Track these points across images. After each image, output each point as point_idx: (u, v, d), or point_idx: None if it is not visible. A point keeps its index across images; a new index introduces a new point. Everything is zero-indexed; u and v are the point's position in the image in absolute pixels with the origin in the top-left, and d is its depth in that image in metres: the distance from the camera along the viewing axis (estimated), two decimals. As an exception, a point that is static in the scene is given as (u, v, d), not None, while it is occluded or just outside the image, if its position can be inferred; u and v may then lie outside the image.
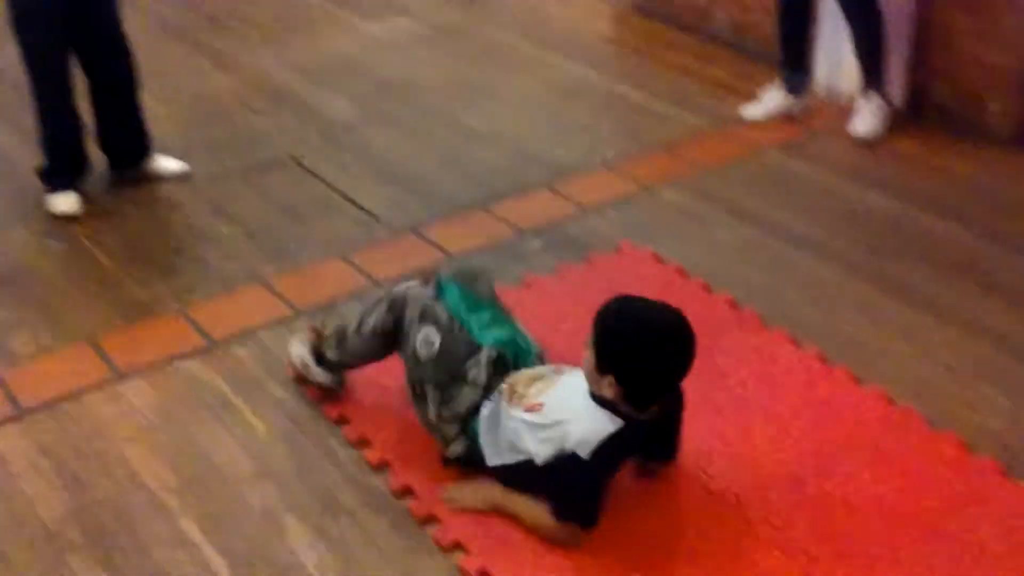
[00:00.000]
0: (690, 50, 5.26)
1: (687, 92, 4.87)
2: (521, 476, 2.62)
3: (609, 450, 2.47)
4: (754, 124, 4.55)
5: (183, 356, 3.26)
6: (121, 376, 3.18)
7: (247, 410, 3.04)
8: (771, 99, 4.60)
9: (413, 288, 2.86)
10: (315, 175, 4.26)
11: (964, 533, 2.57)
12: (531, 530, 2.58)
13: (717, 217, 3.91)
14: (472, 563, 2.53)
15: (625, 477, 2.66)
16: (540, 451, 2.56)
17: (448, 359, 2.72)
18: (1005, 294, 3.46)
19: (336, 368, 3.00)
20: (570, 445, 2.49)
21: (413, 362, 2.76)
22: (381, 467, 2.81)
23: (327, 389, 3.02)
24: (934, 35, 4.42)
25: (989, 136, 4.33)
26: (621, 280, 3.49)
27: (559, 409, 2.56)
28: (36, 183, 4.03)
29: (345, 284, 3.58)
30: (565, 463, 2.50)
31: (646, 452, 2.68)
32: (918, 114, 4.54)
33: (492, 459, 2.69)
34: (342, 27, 5.69)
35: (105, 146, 4.17)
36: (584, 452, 2.46)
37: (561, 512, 2.53)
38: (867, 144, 4.37)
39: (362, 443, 2.89)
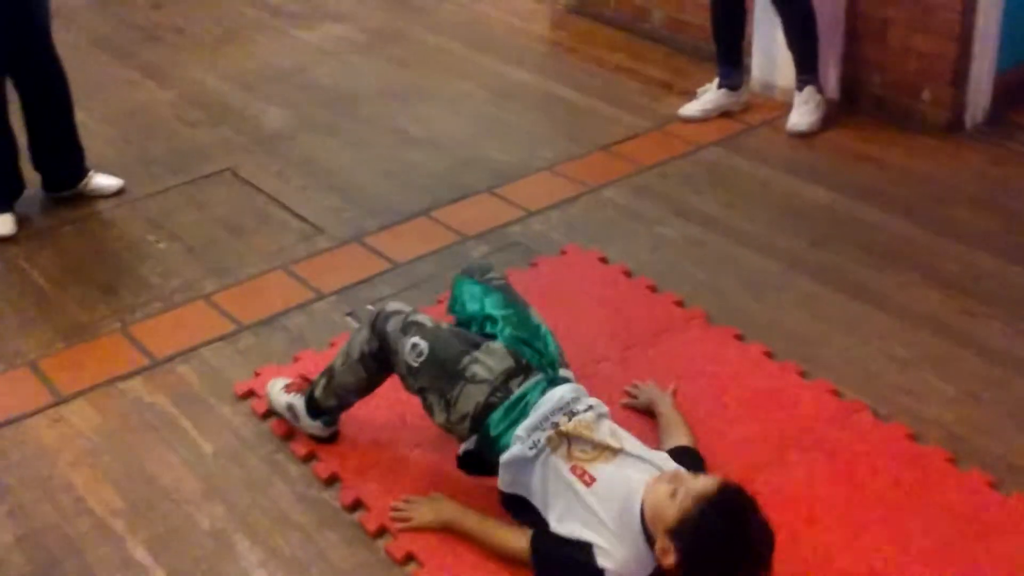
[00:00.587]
0: (627, 49, 5.28)
1: (625, 91, 4.88)
2: (525, 514, 2.54)
3: None
4: (692, 121, 4.57)
5: (126, 376, 3.21)
6: (63, 399, 3.14)
7: (193, 429, 3.00)
8: (708, 96, 4.62)
9: (389, 304, 2.76)
10: (254, 187, 4.22)
11: (914, 524, 2.60)
12: (485, 548, 2.55)
13: (660, 216, 3.92)
14: None
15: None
16: (563, 521, 2.43)
17: (440, 361, 2.59)
18: (944, 281, 3.50)
19: (330, 412, 2.86)
20: (596, 544, 2.36)
21: (409, 375, 2.63)
22: (331, 481, 2.79)
23: (321, 437, 2.90)
24: (867, 26, 4.47)
25: (924, 125, 4.39)
26: (567, 283, 3.50)
27: (607, 499, 2.39)
28: (-31, 205, 3.96)
29: (289, 297, 3.55)
30: (579, 552, 2.38)
31: None
32: (853, 105, 4.58)
33: (507, 485, 2.54)
34: (277, 36, 5.64)
35: (39, 166, 4.11)
36: (605, 567, 2.35)
37: (537, 557, 2.45)
38: (804, 137, 4.40)
39: (311, 457, 2.86)
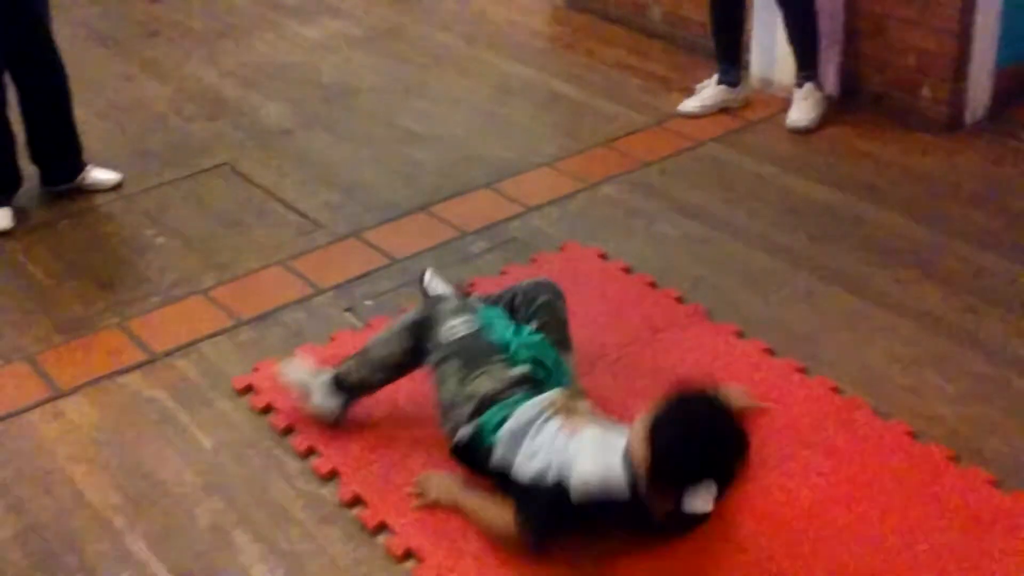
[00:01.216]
0: (626, 45, 5.27)
1: (624, 87, 4.88)
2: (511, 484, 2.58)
3: (598, 508, 2.43)
4: (691, 117, 4.56)
5: (124, 371, 3.20)
6: (62, 394, 3.13)
7: (192, 424, 3.00)
8: (707, 92, 4.62)
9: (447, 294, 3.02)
10: (253, 182, 4.21)
11: (915, 522, 2.59)
12: (482, 531, 2.57)
13: (659, 212, 3.92)
14: (425, 572, 2.51)
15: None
16: (535, 457, 2.52)
17: (477, 345, 2.72)
18: (945, 279, 3.50)
19: (351, 391, 2.88)
20: (571, 474, 2.45)
21: (443, 344, 2.74)
22: (330, 476, 2.78)
23: (327, 420, 2.89)
24: (867, 22, 4.47)
25: (923, 122, 4.38)
26: (567, 279, 3.47)
27: (589, 442, 2.51)
28: (-34, 199, 3.95)
29: (287, 292, 3.54)
30: (553, 486, 2.47)
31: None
32: (853, 102, 4.58)
33: (502, 455, 2.59)
34: (276, 31, 5.63)
35: (37, 160, 4.10)
36: (577, 489, 2.42)
37: (519, 516, 2.49)
38: (803, 133, 4.40)
39: (311, 453, 2.85)
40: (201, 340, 3.32)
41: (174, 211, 4.04)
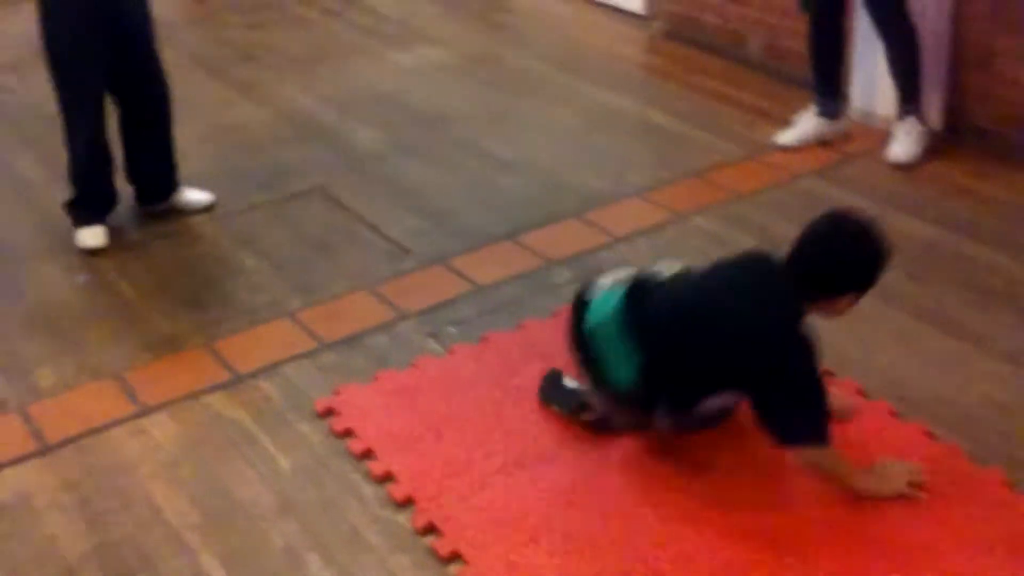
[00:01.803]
0: (722, 75, 5.20)
1: (719, 118, 4.81)
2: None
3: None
4: (788, 150, 4.48)
5: (208, 390, 3.22)
6: (145, 411, 3.15)
7: (271, 445, 2.99)
8: (805, 124, 4.53)
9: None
10: (343, 206, 4.23)
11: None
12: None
13: (749, 245, 3.82)
14: (497, 603, 2.46)
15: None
16: None
17: None
18: (1049, 322, 3.37)
19: None
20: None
21: None
22: (406, 504, 2.75)
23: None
24: (972, 56, 4.35)
25: (1030, 160, 4.25)
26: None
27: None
28: (64, 217, 4.02)
29: (372, 317, 3.53)
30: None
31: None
32: (956, 137, 4.45)
33: None
34: (371, 58, 5.68)
35: (134, 179, 4.16)
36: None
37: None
38: (904, 169, 4.28)
39: (387, 478, 2.83)
40: (285, 362, 3.32)
41: (265, 233, 4.07)
